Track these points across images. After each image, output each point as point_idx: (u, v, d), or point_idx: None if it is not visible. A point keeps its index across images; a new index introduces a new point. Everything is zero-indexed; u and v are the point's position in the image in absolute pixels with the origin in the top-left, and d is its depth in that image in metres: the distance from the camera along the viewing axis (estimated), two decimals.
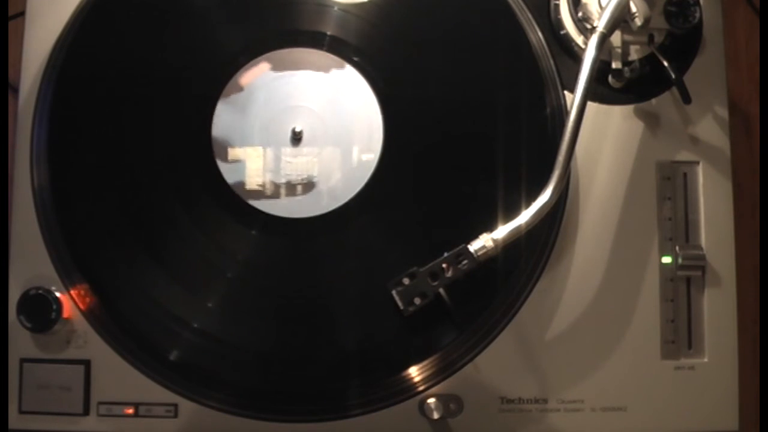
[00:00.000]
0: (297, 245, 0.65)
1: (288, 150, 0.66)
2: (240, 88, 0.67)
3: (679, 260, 0.67)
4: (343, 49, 0.67)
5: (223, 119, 0.66)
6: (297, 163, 0.66)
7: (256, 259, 0.65)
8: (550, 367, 0.66)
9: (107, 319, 0.65)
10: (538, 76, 0.67)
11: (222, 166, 0.66)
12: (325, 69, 0.67)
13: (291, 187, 0.66)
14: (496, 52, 0.67)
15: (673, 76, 0.66)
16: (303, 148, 0.66)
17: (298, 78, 0.67)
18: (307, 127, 0.66)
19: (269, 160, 0.66)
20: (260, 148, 0.66)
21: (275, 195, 0.66)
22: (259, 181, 0.66)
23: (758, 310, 0.73)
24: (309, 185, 0.66)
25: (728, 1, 0.76)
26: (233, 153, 0.66)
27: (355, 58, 0.67)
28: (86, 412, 0.65)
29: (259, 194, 0.65)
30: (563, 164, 0.61)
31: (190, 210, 0.65)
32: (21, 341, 0.65)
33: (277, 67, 0.67)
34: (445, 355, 0.65)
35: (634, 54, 0.68)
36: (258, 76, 0.67)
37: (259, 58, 0.67)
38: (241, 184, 0.66)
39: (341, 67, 0.67)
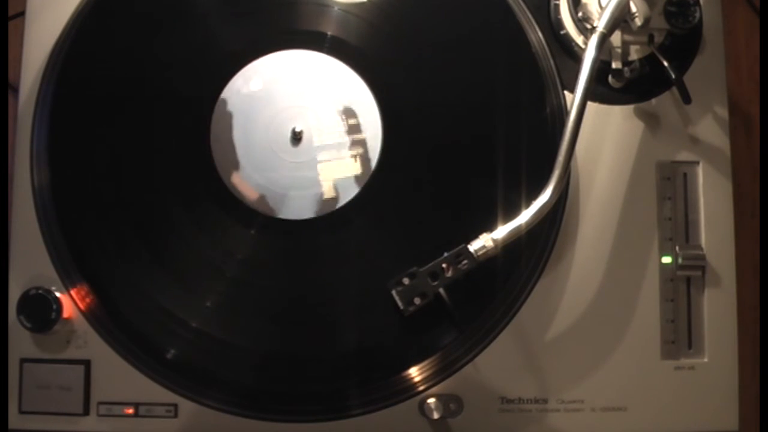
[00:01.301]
0: (297, 245, 0.65)
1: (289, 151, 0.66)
2: (240, 89, 0.66)
3: (679, 260, 0.67)
4: (343, 49, 0.67)
5: (224, 119, 0.66)
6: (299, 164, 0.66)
7: (256, 259, 0.65)
8: (550, 367, 0.66)
9: (107, 319, 0.65)
10: (538, 76, 0.67)
11: (221, 168, 0.66)
12: (325, 69, 0.67)
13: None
14: (496, 53, 0.67)
15: (673, 76, 0.67)
16: (297, 149, 0.66)
17: (298, 78, 0.67)
18: (307, 127, 0.66)
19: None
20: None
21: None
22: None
23: (758, 310, 0.73)
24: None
25: (728, 1, 0.76)
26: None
27: (355, 58, 0.67)
28: (86, 412, 0.65)
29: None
30: (563, 164, 0.61)
31: (190, 210, 0.65)
32: (21, 341, 0.65)
33: (277, 67, 0.67)
34: (445, 355, 0.65)
35: (634, 54, 0.68)
36: (258, 76, 0.67)
37: (260, 58, 0.67)
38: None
39: (341, 67, 0.67)
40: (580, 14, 0.68)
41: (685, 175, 0.69)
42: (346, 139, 0.66)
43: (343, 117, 0.66)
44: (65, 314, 0.65)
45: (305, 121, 0.66)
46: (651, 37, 0.67)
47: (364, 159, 0.66)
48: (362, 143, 0.66)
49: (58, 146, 0.66)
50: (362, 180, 0.66)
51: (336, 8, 0.67)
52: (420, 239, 0.65)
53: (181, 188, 0.66)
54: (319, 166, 0.66)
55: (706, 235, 0.68)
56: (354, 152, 0.66)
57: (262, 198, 0.66)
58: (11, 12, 0.74)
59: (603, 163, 0.68)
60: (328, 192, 0.66)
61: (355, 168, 0.66)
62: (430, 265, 0.62)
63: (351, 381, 0.64)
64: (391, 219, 0.66)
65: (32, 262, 0.66)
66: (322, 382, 0.64)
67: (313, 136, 0.66)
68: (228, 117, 0.66)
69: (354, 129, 0.66)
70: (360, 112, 0.66)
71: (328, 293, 0.65)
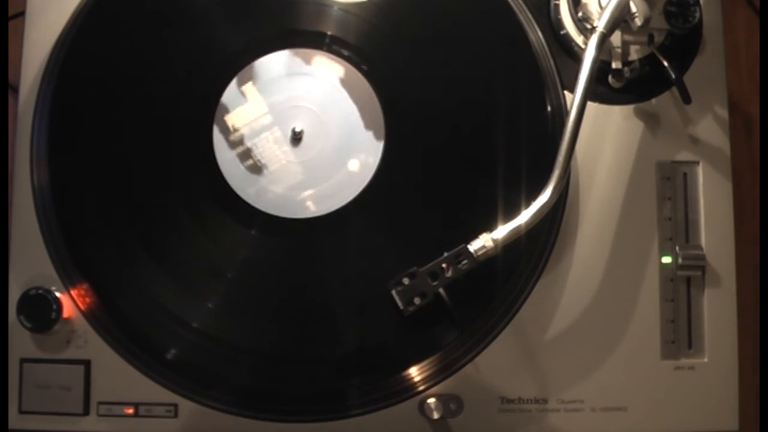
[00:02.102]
0: (297, 245, 0.65)
1: (277, 135, 0.66)
2: (240, 88, 0.67)
3: (679, 260, 0.67)
4: (343, 49, 0.67)
5: (224, 119, 0.66)
6: (270, 150, 0.66)
7: (256, 259, 0.65)
8: (550, 367, 0.66)
9: (107, 319, 0.65)
10: (538, 76, 0.67)
11: (219, 151, 0.66)
12: (326, 69, 0.67)
13: (246, 155, 0.66)
14: (497, 53, 0.67)
15: (673, 76, 0.67)
16: (288, 146, 0.66)
17: (299, 78, 0.67)
18: (307, 127, 0.66)
19: (261, 123, 0.66)
20: (265, 108, 0.66)
21: (233, 146, 0.66)
22: (237, 125, 0.66)
23: (758, 310, 0.73)
24: (257, 169, 0.66)
25: (728, 1, 0.76)
26: (248, 89, 0.66)
27: (355, 58, 0.67)
28: (86, 412, 0.65)
29: (225, 132, 0.66)
30: (563, 164, 0.61)
31: (190, 210, 0.65)
32: (21, 341, 0.65)
33: (277, 67, 0.67)
34: (445, 355, 0.65)
35: (634, 54, 0.68)
36: (258, 76, 0.67)
37: (260, 58, 0.67)
38: (226, 110, 0.66)
39: (341, 67, 0.67)
40: (580, 14, 0.68)
41: (685, 175, 0.69)
42: (347, 139, 0.66)
43: (344, 116, 0.66)
44: (65, 314, 0.65)
45: (305, 121, 0.66)
46: (651, 37, 0.67)
47: (365, 158, 0.66)
48: (363, 143, 0.66)
49: (58, 146, 0.66)
50: (363, 179, 0.66)
51: (336, 8, 0.67)
52: (420, 239, 0.65)
53: (182, 188, 0.66)
54: (319, 166, 0.66)
55: (706, 235, 0.68)
56: (355, 152, 0.66)
57: (262, 198, 0.66)
58: (11, 12, 0.74)
59: (603, 163, 0.68)
60: (328, 191, 0.66)
61: (356, 167, 0.66)
62: (430, 265, 0.62)
63: (351, 381, 0.64)
64: (391, 218, 0.66)
65: (32, 262, 0.66)
66: (322, 382, 0.64)
67: (313, 136, 0.66)
68: (229, 117, 0.66)
69: (355, 128, 0.66)
70: (360, 112, 0.66)
71: (328, 293, 0.65)
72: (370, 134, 0.66)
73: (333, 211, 0.65)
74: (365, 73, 0.67)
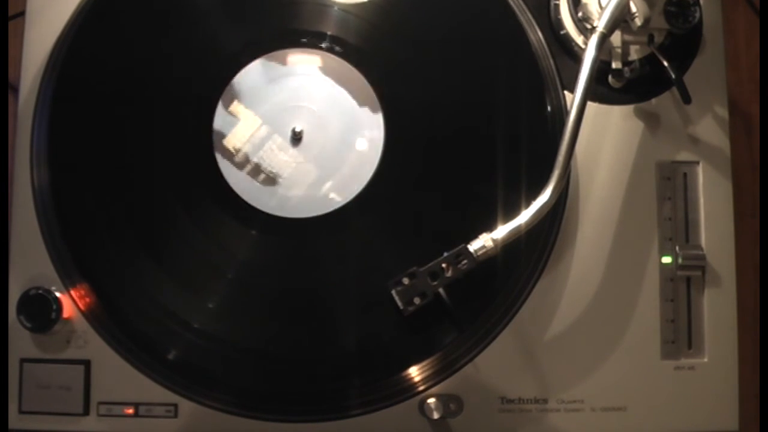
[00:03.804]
0: (297, 245, 0.65)
1: (279, 142, 0.66)
2: (240, 88, 0.67)
3: (679, 260, 0.67)
4: (343, 49, 0.67)
5: (224, 119, 0.66)
6: (277, 159, 0.66)
7: (256, 259, 0.65)
8: (550, 367, 0.66)
9: (107, 319, 0.65)
10: (538, 76, 0.67)
11: (222, 162, 0.66)
12: (325, 69, 0.67)
13: (257, 170, 0.66)
14: (496, 52, 0.67)
15: (673, 76, 0.67)
16: (294, 149, 0.66)
17: (298, 78, 0.67)
18: (307, 127, 0.66)
19: (259, 136, 0.66)
20: (259, 120, 0.66)
21: (240, 167, 0.65)
22: (237, 145, 0.66)
23: (758, 310, 0.73)
24: (271, 180, 0.66)
25: (728, 1, 0.76)
26: (235, 108, 0.66)
27: (355, 58, 0.67)
28: (86, 412, 0.65)
29: (228, 156, 0.66)
30: (563, 164, 0.61)
31: (190, 210, 0.65)
32: (21, 341, 0.65)
33: (277, 67, 0.67)
34: (445, 355, 0.65)
35: (634, 54, 0.68)
36: (258, 76, 0.67)
37: (260, 57, 0.67)
38: (222, 136, 0.66)
39: (341, 67, 0.67)
40: (580, 14, 0.68)
41: (685, 175, 0.69)
42: (347, 139, 0.66)
43: (343, 116, 0.66)
44: (65, 314, 0.65)
45: (305, 121, 0.66)
46: (651, 37, 0.67)
47: (365, 158, 0.66)
48: (363, 143, 0.66)
49: (58, 146, 0.66)
50: (363, 179, 0.66)
51: (336, 8, 0.67)
52: (420, 239, 0.65)
53: (182, 188, 0.66)
54: (320, 166, 0.66)
55: (706, 235, 0.68)
56: (355, 152, 0.66)
57: (263, 198, 0.66)
58: (11, 12, 0.74)
59: (603, 163, 0.68)
60: (328, 191, 0.66)
61: (356, 167, 0.66)
62: (430, 265, 0.62)
63: (351, 381, 0.64)
64: (391, 219, 0.66)
65: (32, 262, 0.66)
66: (322, 382, 0.64)
67: (313, 136, 0.66)
68: (228, 117, 0.66)
69: (354, 129, 0.66)
70: (360, 112, 0.66)
71: (328, 293, 0.65)
72: (369, 134, 0.66)
73: (332, 211, 0.65)
74: (365, 73, 0.67)
